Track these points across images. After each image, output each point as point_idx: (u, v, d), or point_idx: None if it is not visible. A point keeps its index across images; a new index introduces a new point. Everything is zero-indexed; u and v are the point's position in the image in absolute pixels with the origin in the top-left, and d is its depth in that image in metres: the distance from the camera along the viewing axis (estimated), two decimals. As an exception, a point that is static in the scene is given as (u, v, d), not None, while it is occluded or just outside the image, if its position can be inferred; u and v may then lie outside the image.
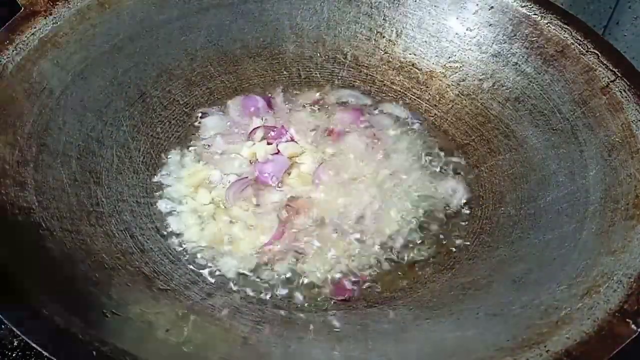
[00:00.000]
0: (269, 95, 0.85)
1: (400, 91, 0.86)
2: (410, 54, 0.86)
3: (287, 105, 0.84)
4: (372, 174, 0.74)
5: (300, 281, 0.64)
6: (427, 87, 0.85)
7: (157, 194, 0.71)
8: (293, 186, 0.72)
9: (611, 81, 0.67)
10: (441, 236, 0.70)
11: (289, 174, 0.73)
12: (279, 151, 0.75)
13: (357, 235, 0.68)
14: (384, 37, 0.86)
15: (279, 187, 0.72)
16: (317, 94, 0.86)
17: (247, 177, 0.72)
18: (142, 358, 0.45)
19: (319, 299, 0.63)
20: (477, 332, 0.52)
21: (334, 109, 0.84)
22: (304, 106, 0.84)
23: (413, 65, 0.86)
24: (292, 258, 0.66)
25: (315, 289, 0.64)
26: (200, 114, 0.81)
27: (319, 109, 0.83)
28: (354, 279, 0.64)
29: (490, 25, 0.80)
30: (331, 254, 0.66)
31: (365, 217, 0.70)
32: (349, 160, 0.75)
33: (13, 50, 0.65)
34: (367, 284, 0.64)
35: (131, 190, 0.69)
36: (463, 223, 0.71)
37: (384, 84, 0.87)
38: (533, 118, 0.74)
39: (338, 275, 0.65)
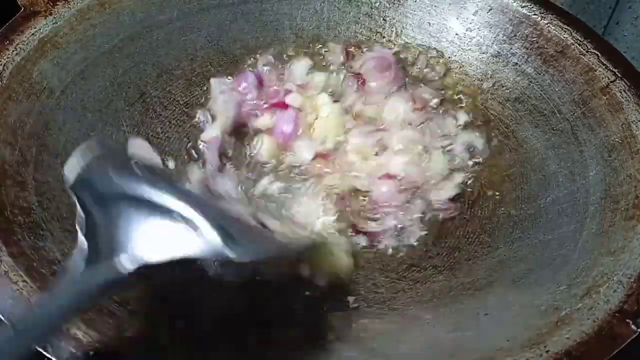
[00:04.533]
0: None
1: (400, 91, 0.86)
2: (410, 54, 0.86)
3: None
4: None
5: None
6: (427, 87, 0.84)
7: (157, 194, 0.71)
8: (318, 140, 0.70)
9: (611, 81, 0.67)
10: (441, 236, 0.70)
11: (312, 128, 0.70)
12: (287, 106, 0.72)
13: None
14: (384, 37, 0.86)
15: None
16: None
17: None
18: (142, 358, 0.45)
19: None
20: (477, 332, 0.52)
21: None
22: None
23: (413, 65, 0.86)
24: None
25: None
26: (201, 114, 0.81)
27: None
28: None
29: (490, 25, 0.80)
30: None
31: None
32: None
33: (13, 51, 0.65)
34: (369, 282, 0.64)
35: (131, 190, 0.69)
36: (463, 223, 0.71)
37: (384, 84, 0.87)
38: (533, 118, 0.74)
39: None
